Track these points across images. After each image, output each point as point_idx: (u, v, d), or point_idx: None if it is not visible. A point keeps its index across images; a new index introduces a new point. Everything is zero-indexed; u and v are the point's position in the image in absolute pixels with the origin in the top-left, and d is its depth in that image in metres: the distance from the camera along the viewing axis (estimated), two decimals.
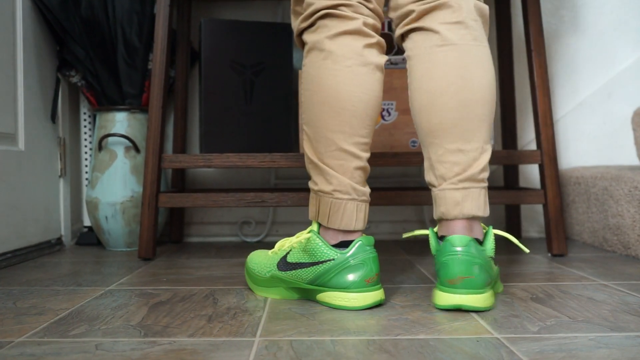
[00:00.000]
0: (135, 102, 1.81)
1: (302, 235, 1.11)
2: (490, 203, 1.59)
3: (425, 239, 1.95)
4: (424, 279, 1.30)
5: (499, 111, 1.95)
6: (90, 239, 1.88)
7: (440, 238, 1.08)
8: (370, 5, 1.10)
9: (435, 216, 1.09)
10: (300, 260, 1.09)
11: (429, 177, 1.09)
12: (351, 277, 1.05)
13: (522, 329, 0.92)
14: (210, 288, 1.24)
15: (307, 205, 1.42)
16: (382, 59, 1.10)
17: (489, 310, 1.03)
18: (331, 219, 1.08)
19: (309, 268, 1.08)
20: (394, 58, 1.73)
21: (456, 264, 1.01)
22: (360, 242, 1.05)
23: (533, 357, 0.79)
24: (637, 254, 1.51)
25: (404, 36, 1.13)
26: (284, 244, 1.15)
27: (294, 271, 1.10)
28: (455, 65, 1.05)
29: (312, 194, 1.12)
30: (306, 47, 1.11)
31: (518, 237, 1.92)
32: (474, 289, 1.01)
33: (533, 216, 1.99)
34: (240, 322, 0.98)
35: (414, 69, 1.09)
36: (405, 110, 1.69)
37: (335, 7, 1.08)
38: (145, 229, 1.58)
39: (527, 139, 1.99)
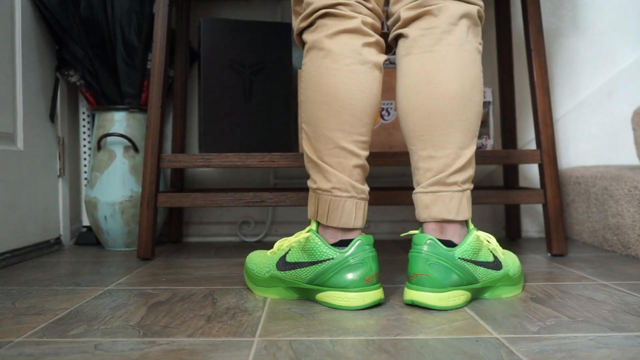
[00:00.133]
0: (134, 102, 1.81)
1: (301, 235, 1.11)
2: (490, 203, 1.59)
3: None
4: None
5: (498, 111, 1.95)
6: (89, 238, 1.87)
7: None
8: (369, 5, 1.10)
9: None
10: (300, 260, 1.09)
11: (413, 181, 1.13)
12: (350, 276, 1.04)
13: (521, 329, 0.92)
14: (209, 288, 1.23)
15: (306, 205, 1.41)
16: (381, 58, 1.11)
17: (447, 310, 1.04)
18: (330, 216, 1.08)
19: (308, 267, 1.08)
20: (394, 58, 1.72)
21: (413, 261, 1.05)
22: (359, 241, 1.05)
23: (533, 357, 0.79)
24: (637, 253, 1.51)
25: (394, 41, 1.16)
26: (282, 244, 1.15)
27: (293, 271, 1.10)
28: (422, 72, 1.07)
29: (310, 193, 1.12)
30: (306, 47, 1.12)
31: (518, 237, 1.92)
32: (429, 287, 1.04)
33: (533, 216, 1.99)
34: (239, 322, 0.98)
35: (397, 76, 1.13)
36: None
37: (333, 6, 1.08)
38: (144, 228, 1.58)
39: (527, 138, 1.99)
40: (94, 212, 1.76)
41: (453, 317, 1.00)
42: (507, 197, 1.61)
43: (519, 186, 1.87)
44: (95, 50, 1.76)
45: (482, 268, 1.08)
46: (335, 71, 1.07)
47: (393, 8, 1.14)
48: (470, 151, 1.09)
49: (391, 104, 1.69)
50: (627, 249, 1.55)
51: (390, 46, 1.18)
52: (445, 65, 1.07)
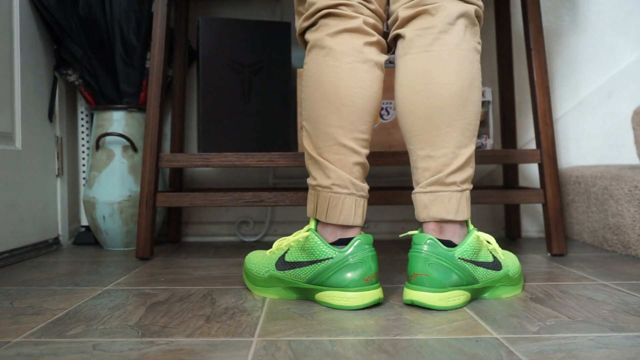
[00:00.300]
0: (133, 101, 1.80)
1: (300, 234, 1.11)
2: (490, 202, 1.59)
3: None
4: None
5: (498, 110, 1.95)
6: (87, 238, 1.87)
7: None
8: (372, 7, 1.11)
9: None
10: (299, 259, 1.09)
11: (412, 181, 1.14)
12: (350, 275, 1.04)
13: (521, 329, 0.92)
14: (208, 288, 1.23)
15: (305, 204, 1.41)
16: (382, 57, 1.12)
17: (447, 310, 1.04)
18: (329, 213, 1.08)
19: (307, 267, 1.07)
20: (394, 57, 1.72)
21: (413, 260, 1.05)
22: (359, 240, 1.05)
23: (532, 357, 0.79)
24: (637, 253, 1.51)
25: (393, 41, 1.16)
26: (281, 243, 1.15)
27: (292, 270, 1.10)
28: (419, 71, 1.08)
29: (310, 191, 1.12)
30: (308, 46, 1.14)
31: (518, 236, 1.92)
32: (428, 287, 1.04)
33: (533, 216, 1.99)
34: (238, 322, 0.97)
35: (395, 76, 1.13)
36: None
37: (335, 6, 1.10)
38: (143, 228, 1.58)
39: (527, 138, 1.99)
40: (93, 211, 1.76)
41: (453, 317, 1.00)
42: (506, 197, 1.60)
43: (518, 186, 1.87)
44: (93, 50, 1.76)
45: (482, 268, 1.08)
46: (337, 69, 1.07)
47: (392, 7, 1.14)
48: (469, 151, 1.09)
49: (391, 103, 1.69)
50: (627, 248, 1.55)
51: (390, 46, 1.18)
52: (443, 64, 1.07)
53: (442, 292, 1.04)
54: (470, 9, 1.10)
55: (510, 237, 1.93)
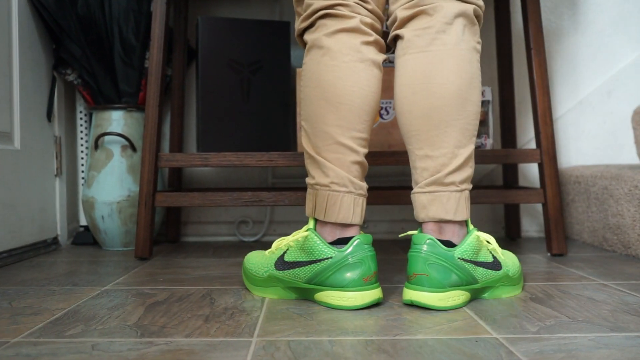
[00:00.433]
0: (132, 101, 1.80)
1: (299, 234, 1.10)
2: (489, 202, 1.59)
3: None
4: None
5: (497, 110, 1.95)
6: (86, 238, 1.87)
7: None
8: (369, 6, 1.12)
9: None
10: (298, 259, 1.09)
11: (412, 181, 1.14)
12: (349, 275, 1.04)
13: (521, 329, 0.92)
14: (207, 288, 1.23)
15: (304, 204, 1.41)
16: (380, 56, 1.12)
17: (447, 310, 1.04)
18: (328, 212, 1.08)
19: (306, 267, 1.07)
20: (393, 57, 1.72)
21: (413, 260, 1.05)
22: (358, 240, 1.05)
23: (532, 357, 0.79)
24: (637, 253, 1.51)
25: (393, 42, 1.17)
26: (280, 243, 1.15)
27: (291, 270, 1.09)
28: (418, 71, 1.08)
29: (309, 190, 1.12)
30: (306, 46, 1.14)
31: (517, 236, 1.92)
32: (428, 287, 1.04)
33: (532, 215, 1.99)
34: (237, 322, 0.97)
35: (394, 76, 1.14)
36: None
37: (332, 6, 1.10)
38: (142, 228, 1.57)
39: (527, 137, 1.98)
40: (92, 211, 1.75)
41: (452, 317, 1.00)
42: (506, 197, 1.60)
43: (518, 185, 1.87)
44: (92, 49, 1.76)
45: (481, 268, 1.08)
46: (334, 68, 1.08)
47: (391, 8, 1.15)
48: (468, 150, 1.09)
49: (390, 103, 1.69)
50: (627, 248, 1.55)
51: (390, 46, 1.18)
52: (441, 64, 1.07)
53: (441, 292, 1.04)
54: (469, 8, 1.09)
55: (510, 237, 1.92)
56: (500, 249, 1.14)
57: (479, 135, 1.76)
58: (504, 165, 1.90)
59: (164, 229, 1.96)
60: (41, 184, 1.72)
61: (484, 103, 1.77)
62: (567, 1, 1.99)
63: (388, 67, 1.65)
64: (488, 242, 1.13)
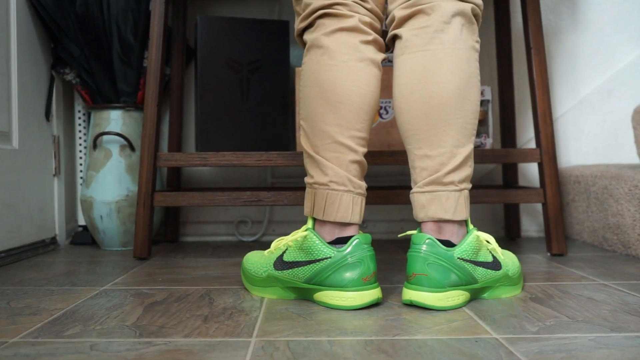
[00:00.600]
0: (131, 100, 1.80)
1: (298, 234, 1.10)
2: (489, 202, 1.59)
3: None
4: None
5: (497, 109, 1.94)
6: (85, 238, 1.86)
7: None
8: (367, 6, 1.12)
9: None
10: (297, 259, 1.08)
11: (411, 180, 1.14)
12: (348, 275, 1.04)
13: (521, 329, 0.91)
14: (206, 288, 1.23)
15: (303, 204, 1.41)
16: (379, 56, 1.12)
17: (446, 310, 1.04)
18: (327, 211, 1.07)
19: (305, 267, 1.07)
20: (392, 56, 1.71)
21: (412, 260, 1.05)
22: (357, 239, 1.05)
23: (532, 357, 0.79)
24: (637, 253, 1.51)
25: (391, 41, 1.17)
26: (279, 243, 1.15)
27: (290, 270, 1.09)
28: (416, 71, 1.08)
29: (307, 189, 1.12)
30: (306, 46, 1.14)
31: (517, 236, 1.91)
32: (427, 287, 1.03)
33: (532, 215, 1.98)
34: (236, 322, 0.97)
35: (393, 76, 1.14)
36: None
37: (331, 6, 1.10)
38: (141, 228, 1.57)
39: (527, 137, 1.98)
40: (90, 211, 1.75)
41: (452, 317, 0.99)
42: (506, 196, 1.60)
43: (518, 185, 1.87)
44: (91, 48, 1.75)
45: (481, 268, 1.08)
46: (333, 67, 1.08)
47: (389, 7, 1.15)
48: (467, 150, 1.09)
49: (389, 102, 1.69)
50: (627, 248, 1.54)
51: (387, 45, 1.18)
52: (439, 63, 1.07)
53: (441, 292, 1.03)
54: (467, 7, 1.09)
55: (509, 237, 1.92)
56: (500, 248, 1.13)
57: (478, 135, 1.76)
58: (504, 164, 1.90)
59: (162, 229, 1.95)
60: (39, 184, 1.72)
61: (484, 102, 1.76)
62: (566, 0, 1.99)
63: (387, 67, 1.65)
64: (488, 241, 1.13)
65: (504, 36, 1.88)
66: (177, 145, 1.88)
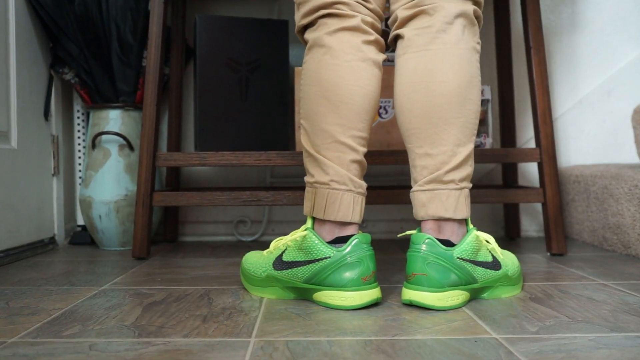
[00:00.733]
0: (129, 100, 1.79)
1: (297, 233, 1.10)
2: (489, 202, 1.59)
3: None
4: None
5: (497, 109, 1.94)
6: (83, 238, 1.86)
7: None
8: (370, 6, 1.12)
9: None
10: (296, 259, 1.08)
11: (411, 179, 1.14)
12: (348, 275, 1.04)
13: (520, 329, 0.91)
14: (205, 288, 1.23)
15: (303, 203, 1.41)
16: (380, 56, 1.12)
17: (446, 310, 1.04)
18: (327, 210, 1.07)
19: (305, 266, 1.07)
20: (391, 55, 1.71)
21: (412, 260, 1.05)
22: (357, 239, 1.05)
23: (532, 357, 0.78)
24: (637, 253, 1.50)
25: (393, 42, 1.17)
26: (278, 243, 1.15)
27: (290, 270, 1.09)
28: (418, 70, 1.09)
29: (307, 189, 1.12)
30: (307, 45, 1.14)
31: (517, 236, 1.91)
32: (427, 287, 1.03)
33: (532, 215, 1.98)
34: (235, 322, 0.97)
35: (394, 75, 1.14)
36: None
37: (333, 5, 1.10)
38: (140, 228, 1.57)
39: (526, 137, 1.98)
40: (89, 211, 1.75)
41: (451, 317, 0.99)
42: (506, 196, 1.60)
43: (518, 185, 1.87)
44: (90, 48, 1.75)
45: (481, 268, 1.08)
46: (335, 67, 1.08)
47: (392, 8, 1.15)
48: (468, 149, 1.09)
49: (389, 102, 1.68)
50: (627, 248, 1.54)
51: (388, 45, 1.19)
52: (441, 63, 1.08)
53: (440, 292, 1.03)
54: (469, 8, 1.10)
55: (509, 237, 1.92)
56: (499, 248, 1.14)
57: (478, 135, 1.75)
58: (504, 164, 1.90)
59: (161, 229, 1.95)
60: (38, 184, 1.71)
61: (484, 102, 1.76)
62: (566, 0, 1.99)
63: (387, 66, 1.65)
64: (487, 241, 1.13)
65: (503, 36, 1.88)
66: (176, 144, 1.88)
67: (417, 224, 1.97)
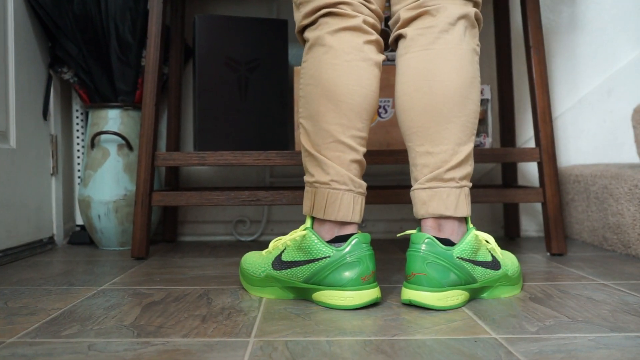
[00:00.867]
0: (128, 99, 1.79)
1: (297, 233, 1.10)
2: (488, 201, 1.59)
3: None
4: None
5: (497, 108, 1.94)
6: (82, 238, 1.86)
7: None
8: (372, 6, 1.13)
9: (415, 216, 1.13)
10: (296, 259, 1.08)
11: (411, 178, 1.14)
12: (347, 274, 1.04)
13: (520, 330, 0.91)
14: (204, 288, 1.22)
15: (302, 203, 1.40)
16: (380, 57, 1.13)
17: (445, 310, 1.04)
18: (328, 210, 1.07)
19: (304, 266, 1.07)
20: (391, 55, 1.71)
21: (411, 260, 1.05)
22: (356, 239, 1.05)
23: (532, 357, 0.78)
24: (637, 253, 1.50)
25: (395, 42, 1.18)
26: (277, 243, 1.14)
27: (289, 270, 1.09)
28: (420, 69, 1.09)
29: (307, 188, 1.12)
30: (307, 44, 1.14)
31: (517, 236, 1.91)
32: (426, 287, 1.03)
33: (532, 215, 1.98)
34: (234, 322, 0.97)
35: (396, 74, 1.14)
36: None
37: (335, 5, 1.10)
38: (139, 227, 1.56)
39: (526, 136, 1.98)
40: (88, 210, 1.74)
41: (451, 317, 0.99)
42: (505, 196, 1.60)
43: (517, 184, 1.87)
44: (88, 48, 1.75)
45: (480, 268, 1.08)
46: (336, 66, 1.08)
47: (394, 9, 1.16)
48: (468, 148, 1.09)
49: (388, 101, 1.68)
50: (627, 248, 1.54)
51: (391, 46, 1.19)
52: (443, 62, 1.08)
53: (440, 292, 1.03)
54: (471, 11, 1.11)
55: (509, 237, 1.92)
56: (499, 248, 1.14)
57: (478, 134, 1.75)
58: (503, 164, 1.90)
59: (160, 229, 1.95)
60: (37, 183, 1.71)
61: (483, 102, 1.76)
62: None
63: (386, 66, 1.65)
64: (487, 241, 1.13)
65: (503, 35, 1.87)
66: (175, 144, 1.87)
67: (416, 223, 1.97)
